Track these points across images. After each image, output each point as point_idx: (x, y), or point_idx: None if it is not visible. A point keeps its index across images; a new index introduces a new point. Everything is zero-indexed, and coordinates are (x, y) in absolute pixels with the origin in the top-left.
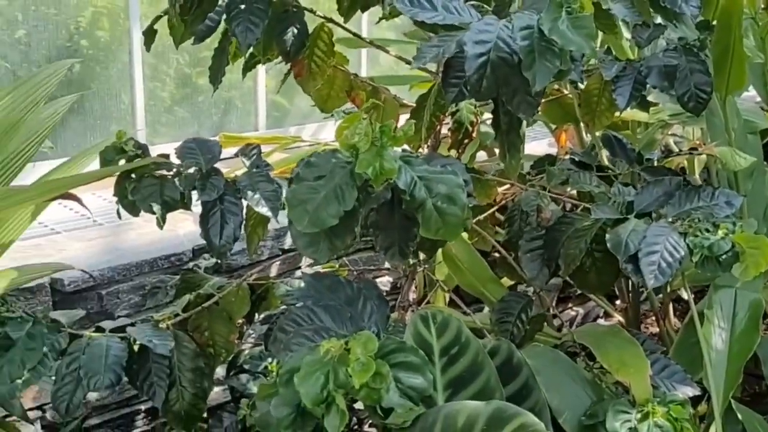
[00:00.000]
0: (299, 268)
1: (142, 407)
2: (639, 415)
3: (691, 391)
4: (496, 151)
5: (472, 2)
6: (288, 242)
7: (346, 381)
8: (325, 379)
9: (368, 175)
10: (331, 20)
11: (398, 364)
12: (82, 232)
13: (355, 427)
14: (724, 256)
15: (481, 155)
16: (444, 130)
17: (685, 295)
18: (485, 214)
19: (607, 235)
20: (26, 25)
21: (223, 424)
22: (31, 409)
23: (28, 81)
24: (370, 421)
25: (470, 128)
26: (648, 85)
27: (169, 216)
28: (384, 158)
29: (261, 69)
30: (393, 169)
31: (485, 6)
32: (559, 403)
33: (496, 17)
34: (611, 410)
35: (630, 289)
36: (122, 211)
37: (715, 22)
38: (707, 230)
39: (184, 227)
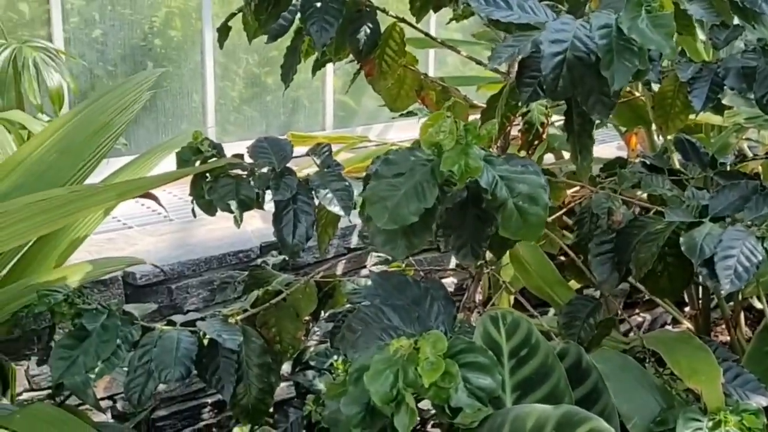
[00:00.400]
0: (364, 267)
1: (209, 400)
2: (711, 423)
3: (765, 401)
4: (564, 153)
5: (547, 2)
6: (354, 241)
7: (415, 380)
8: (394, 378)
9: (453, 172)
10: (403, 20)
11: (467, 364)
12: (154, 227)
13: (419, 426)
14: None
15: (548, 158)
16: (513, 132)
17: (758, 304)
18: (553, 216)
19: (681, 239)
20: (103, 24)
21: (288, 419)
22: (102, 399)
23: (121, 86)
24: (434, 421)
25: (540, 130)
26: (725, 88)
27: (226, 221)
28: (470, 156)
29: (329, 69)
30: (479, 167)
31: (560, 5)
32: (628, 409)
33: (572, 17)
34: (682, 417)
35: (700, 295)
36: (196, 212)
37: None
38: None
39: (252, 224)
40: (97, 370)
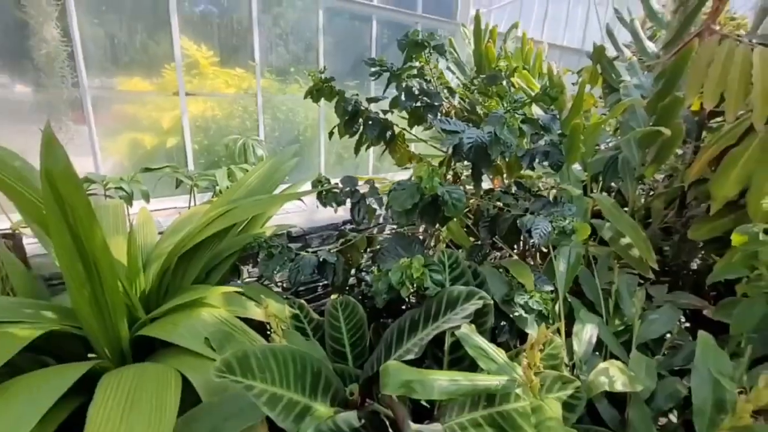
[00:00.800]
0: (385, 228)
1: (320, 284)
2: (528, 296)
3: (549, 288)
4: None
5: (466, 121)
6: (384, 220)
7: (410, 275)
8: (401, 274)
9: (426, 188)
10: (403, 128)
11: (431, 269)
12: (298, 213)
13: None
14: (568, 232)
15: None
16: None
17: (546, 250)
18: (464, 211)
19: (518, 221)
20: (278, 129)
21: (353, 291)
22: (276, 283)
23: (283, 152)
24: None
25: (460, 174)
26: (536, 159)
27: (330, 209)
28: (434, 181)
29: (371, 151)
30: (436, 186)
31: (471, 122)
32: (495, 290)
33: (476, 128)
34: (517, 294)
35: (524, 246)
36: (317, 205)
37: (567, 132)
38: (562, 219)
39: (340, 216)
40: (277, 269)
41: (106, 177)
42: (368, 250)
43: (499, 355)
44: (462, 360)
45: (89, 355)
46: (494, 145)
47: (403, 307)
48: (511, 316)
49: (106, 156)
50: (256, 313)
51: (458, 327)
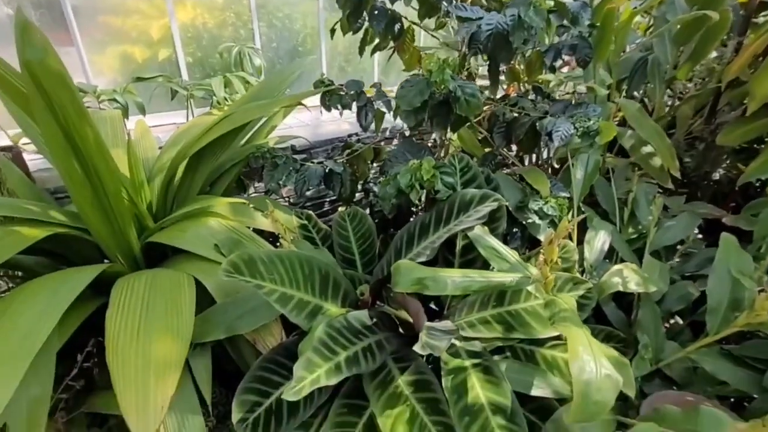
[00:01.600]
0: (392, 141)
1: (327, 200)
2: (542, 202)
3: (565, 194)
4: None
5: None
6: (390, 133)
7: (420, 177)
8: (411, 176)
9: (437, 82)
10: (413, 22)
11: (442, 172)
12: (302, 128)
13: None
14: (592, 132)
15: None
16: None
17: (559, 167)
18: (476, 120)
19: (537, 124)
20: (276, 40)
21: (362, 203)
22: (282, 197)
23: (289, 66)
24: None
25: (476, 71)
26: (561, 54)
27: (337, 123)
28: (444, 74)
29: (375, 59)
30: (448, 80)
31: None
32: (508, 196)
33: (496, 12)
34: (531, 200)
35: (538, 158)
36: (321, 113)
37: (597, 24)
38: (586, 119)
39: (346, 129)
40: (282, 181)
41: (97, 88)
42: (375, 162)
43: (512, 255)
44: (473, 263)
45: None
46: (517, 30)
47: (412, 219)
48: (523, 222)
49: (96, 73)
50: (264, 223)
51: (471, 229)
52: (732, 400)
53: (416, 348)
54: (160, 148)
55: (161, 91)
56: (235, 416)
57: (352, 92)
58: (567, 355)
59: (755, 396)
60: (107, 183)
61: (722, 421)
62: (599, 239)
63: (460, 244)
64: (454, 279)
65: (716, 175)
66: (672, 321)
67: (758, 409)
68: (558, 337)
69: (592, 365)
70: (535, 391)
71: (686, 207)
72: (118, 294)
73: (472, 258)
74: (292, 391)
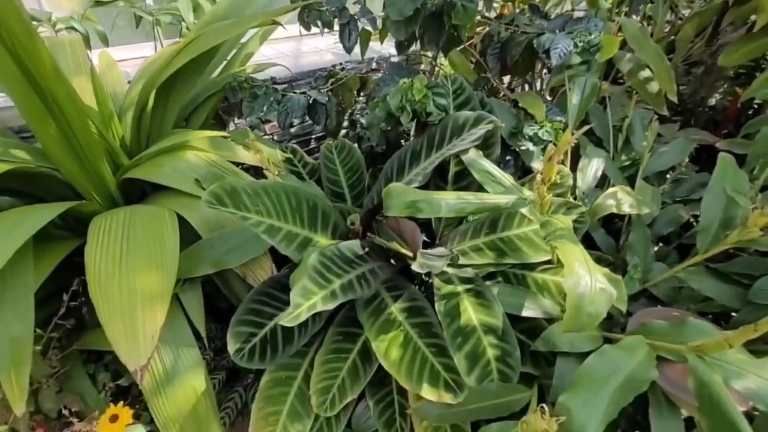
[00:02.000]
0: (379, 73)
1: (313, 136)
2: (538, 126)
3: (561, 119)
4: None
5: None
6: (376, 64)
7: (412, 98)
8: (401, 97)
9: None
10: None
11: (435, 93)
12: (282, 59)
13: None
14: (593, 48)
15: None
16: None
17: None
18: (469, 43)
19: (534, 41)
20: None
21: (348, 135)
22: (265, 134)
23: None
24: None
25: None
26: None
27: (319, 54)
28: None
29: None
30: None
31: None
32: (502, 119)
33: None
34: (526, 125)
35: (533, 83)
36: (302, 34)
37: None
38: (588, 34)
39: (329, 60)
40: (263, 113)
41: (52, 15)
42: (362, 93)
43: (507, 179)
44: (466, 189)
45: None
46: None
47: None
48: (517, 150)
49: (55, 8)
50: (246, 156)
51: (465, 152)
52: (710, 316)
53: (414, 267)
54: (130, 83)
55: (125, 22)
56: (231, 347)
57: (333, 8)
58: (557, 278)
59: (737, 311)
60: (70, 115)
61: (709, 331)
62: (592, 167)
63: (452, 170)
64: (448, 201)
65: (712, 101)
66: (658, 246)
67: (740, 321)
68: (548, 262)
69: (587, 279)
70: (526, 312)
71: (680, 134)
72: (95, 230)
73: (465, 185)
74: (289, 317)
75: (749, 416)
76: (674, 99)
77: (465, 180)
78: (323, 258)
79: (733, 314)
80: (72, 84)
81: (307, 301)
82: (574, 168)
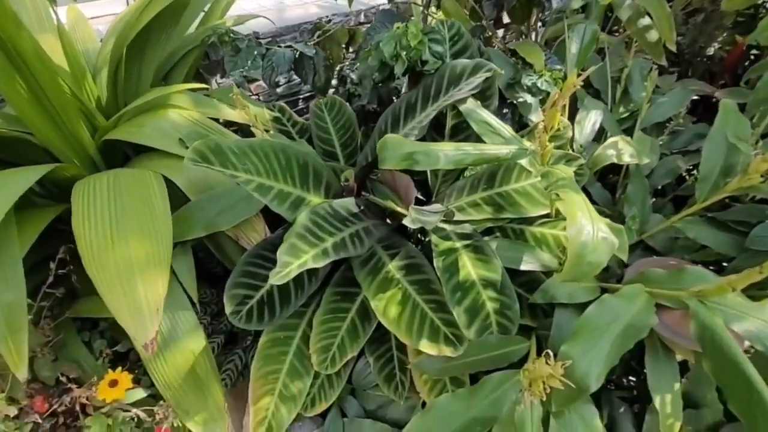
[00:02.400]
0: (370, 23)
1: (301, 97)
2: (536, 76)
3: (561, 67)
4: None
5: None
6: (365, 18)
7: (406, 44)
8: (395, 44)
9: None
10: None
11: (431, 39)
12: (263, 13)
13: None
14: None
15: None
16: None
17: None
18: None
19: None
20: None
21: (339, 93)
22: (251, 93)
23: None
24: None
25: None
26: None
27: (304, 7)
28: None
29: None
30: None
31: None
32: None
33: None
34: (524, 75)
35: (528, 34)
36: (282, 2)
37: None
38: None
39: (314, 13)
40: (247, 69)
41: None
42: (350, 49)
43: (507, 129)
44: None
45: None
46: None
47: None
48: (514, 102)
49: None
50: (231, 114)
51: (463, 102)
52: (704, 266)
53: (406, 222)
54: (102, 41)
55: None
56: (228, 309)
57: None
58: (556, 231)
59: (732, 260)
60: (39, 72)
61: (707, 277)
62: (590, 119)
63: (449, 123)
64: (446, 152)
65: (710, 51)
66: (654, 199)
67: (736, 268)
68: (547, 216)
69: (589, 228)
70: (525, 266)
71: (677, 85)
72: (79, 198)
73: (463, 138)
74: (277, 276)
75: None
76: (673, 47)
77: (462, 133)
78: (315, 216)
79: (725, 264)
80: (39, 41)
81: (297, 259)
82: (571, 121)
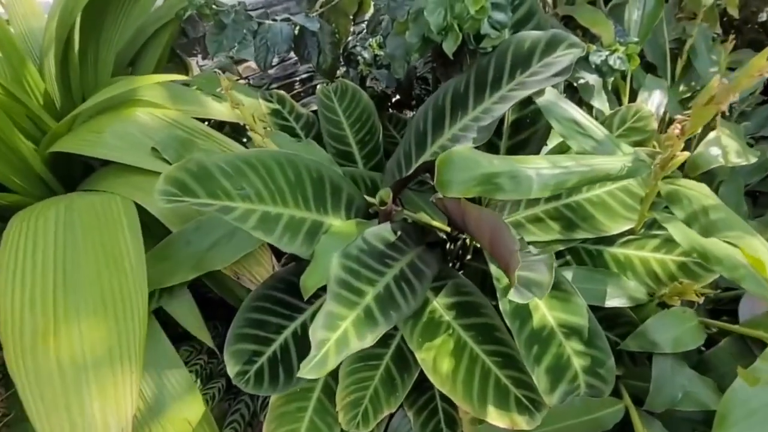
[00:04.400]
0: None
1: (297, 79)
2: (608, 52)
3: (636, 39)
4: None
5: None
6: None
7: (460, 13)
8: (445, 13)
9: None
10: None
11: (494, 4)
12: None
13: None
14: None
15: None
16: None
17: None
18: None
19: None
20: None
21: (350, 74)
22: (240, 78)
23: None
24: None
25: None
26: None
27: None
28: None
29: None
30: None
31: None
32: None
33: None
34: (593, 52)
35: None
36: None
37: None
38: None
39: None
40: (235, 50)
41: None
42: (358, 18)
43: (599, 128)
44: (526, 145)
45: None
46: None
47: (413, 96)
48: (574, 84)
49: None
50: (220, 111)
51: (539, 94)
52: None
53: (512, 296)
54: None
55: None
56: (232, 370)
57: None
58: (644, 252)
59: None
60: None
61: None
62: (653, 101)
63: (509, 118)
64: (541, 173)
65: (763, 16)
66: None
67: None
68: (631, 231)
69: None
70: (611, 302)
71: (733, 56)
72: (10, 242)
73: (524, 139)
74: (312, 364)
75: None
76: (735, 13)
77: (524, 132)
78: (347, 260)
79: None
80: None
81: (334, 332)
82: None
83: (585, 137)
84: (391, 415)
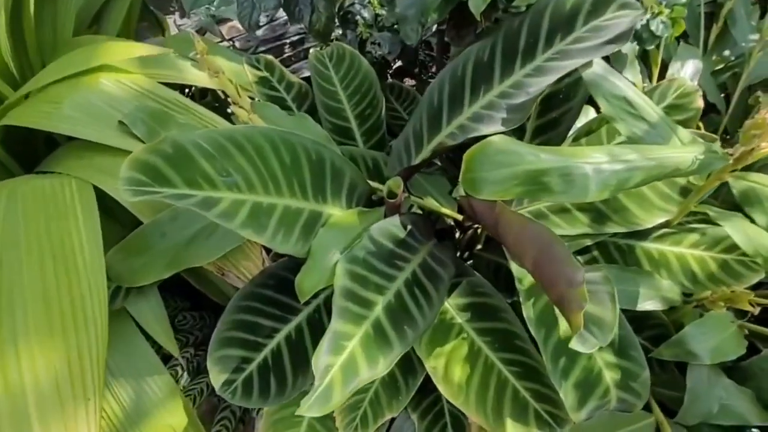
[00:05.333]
0: None
1: (287, 41)
2: (650, 14)
3: (682, 0)
4: None
5: None
6: None
7: None
8: None
9: None
10: None
11: None
12: None
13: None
14: None
15: None
16: None
17: None
18: None
19: None
20: None
21: (347, 37)
22: (223, 40)
23: None
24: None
25: None
26: None
27: None
28: None
29: None
30: None
31: None
32: None
33: None
34: None
35: None
36: None
37: None
38: None
39: None
40: (215, 6)
41: None
42: None
43: (653, 108)
44: (554, 125)
45: None
46: None
47: (416, 62)
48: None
49: None
50: (199, 78)
51: (587, 66)
52: None
53: (574, 344)
54: None
55: None
56: (217, 379)
57: None
58: (681, 248)
59: None
60: None
61: None
62: (687, 72)
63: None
64: (601, 168)
65: None
66: None
67: None
68: (665, 224)
69: None
70: (643, 304)
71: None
72: None
73: (555, 118)
74: (314, 397)
75: None
76: None
77: (554, 111)
78: (353, 265)
79: None
80: None
81: (339, 355)
82: (661, 78)
83: (637, 119)
84: (393, 419)
